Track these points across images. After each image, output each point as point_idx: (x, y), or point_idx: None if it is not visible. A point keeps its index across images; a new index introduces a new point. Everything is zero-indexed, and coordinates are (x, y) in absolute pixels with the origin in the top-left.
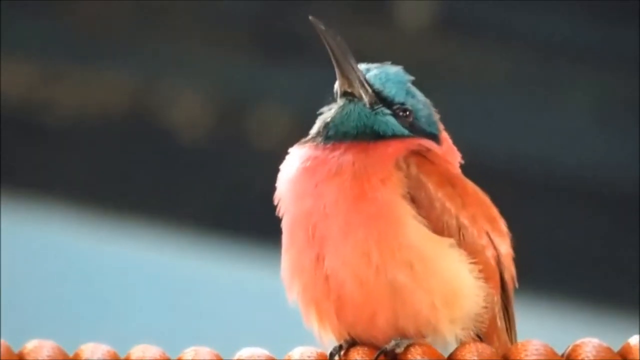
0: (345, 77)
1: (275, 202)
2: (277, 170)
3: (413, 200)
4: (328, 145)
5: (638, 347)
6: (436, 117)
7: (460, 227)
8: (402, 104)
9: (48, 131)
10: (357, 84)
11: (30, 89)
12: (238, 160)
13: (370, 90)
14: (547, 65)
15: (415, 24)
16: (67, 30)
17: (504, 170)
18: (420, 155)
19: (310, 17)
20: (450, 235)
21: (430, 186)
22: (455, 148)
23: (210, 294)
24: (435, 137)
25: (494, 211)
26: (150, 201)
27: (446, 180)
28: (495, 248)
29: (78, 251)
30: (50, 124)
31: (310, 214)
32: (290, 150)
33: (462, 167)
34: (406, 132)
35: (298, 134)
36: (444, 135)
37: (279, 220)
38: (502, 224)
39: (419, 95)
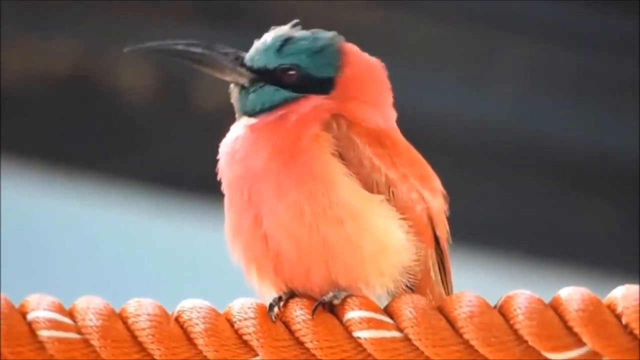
0: (215, 72)
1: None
2: (219, 131)
3: (342, 159)
4: (249, 119)
5: (568, 298)
6: (330, 53)
7: (389, 185)
8: (279, 66)
9: None
10: (227, 72)
11: None
12: (181, 121)
13: (244, 71)
14: (482, 33)
15: None
16: None
17: (438, 135)
18: (344, 116)
19: (125, 50)
20: (380, 192)
21: (360, 145)
22: (368, 77)
23: (155, 250)
24: (329, 81)
25: (427, 169)
26: (96, 161)
27: (375, 140)
28: (426, 204)
29: (24, 208)
30: None
31: (242, 178)
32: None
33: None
34: (285, 94)
35: None
36: (349, 72)
37: (220, 180)
38: (435, 182)
39: (297, 46)
